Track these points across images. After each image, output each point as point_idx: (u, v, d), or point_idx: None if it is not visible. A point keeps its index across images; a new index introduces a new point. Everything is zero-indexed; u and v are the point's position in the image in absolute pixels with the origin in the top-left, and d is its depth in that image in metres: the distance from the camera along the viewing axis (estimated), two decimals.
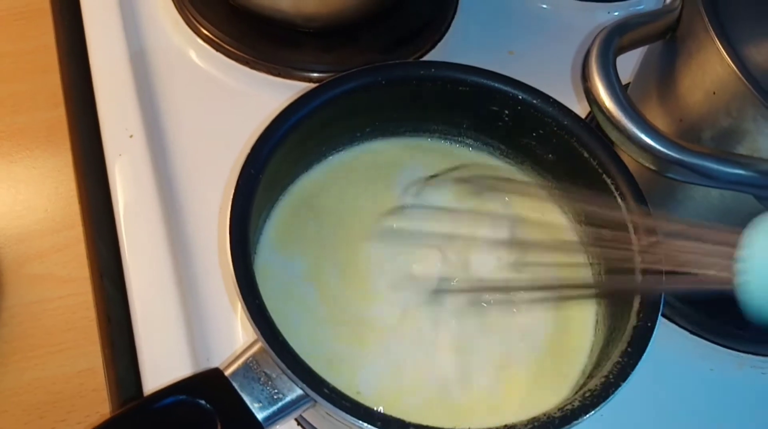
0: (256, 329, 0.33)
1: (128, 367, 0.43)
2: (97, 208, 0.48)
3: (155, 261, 0.46)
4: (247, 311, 0.34)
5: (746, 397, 0.49)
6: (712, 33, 0.39)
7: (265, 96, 0.55)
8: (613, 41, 0.41)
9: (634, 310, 0.37)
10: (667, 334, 0.49)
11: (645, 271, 0.38)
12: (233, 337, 0.46)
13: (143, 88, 0.53)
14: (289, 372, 0.33)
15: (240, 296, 0.34)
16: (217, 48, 0.56)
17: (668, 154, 0.38)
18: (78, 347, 0.42)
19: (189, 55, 0.57)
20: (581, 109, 0.56)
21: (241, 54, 0.56)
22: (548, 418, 0.33)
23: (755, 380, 0.49)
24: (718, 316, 0.50)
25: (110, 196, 0.48)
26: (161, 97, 0.54)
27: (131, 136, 0.50)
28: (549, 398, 0.39)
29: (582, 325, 0.42)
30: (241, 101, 0.55)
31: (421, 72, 0.43)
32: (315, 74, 0.56)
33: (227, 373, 0.35)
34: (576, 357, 0.41)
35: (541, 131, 0.43)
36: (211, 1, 0.58)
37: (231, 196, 0.37)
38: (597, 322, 0.42)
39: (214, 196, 0.50)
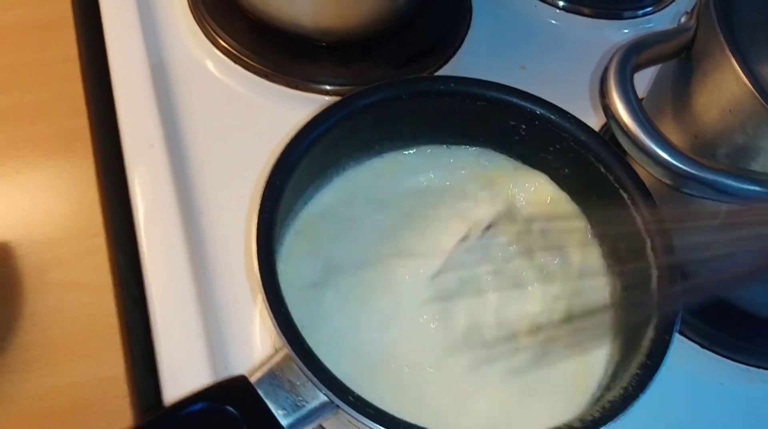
0: (282, 337, 0.34)
1: (145, 376, 0.43)
2: (118, 216, 0.48)
3: (175, 270, 0.47)
4: (273, 320, 0.34)
5: (756, 411, 0.49)
6: (729, 52, 0.40)
7: (282, 108, 0.56)
8: (631, 59, 0.41)
9: (652, 323, 0.38)
10: (677, 348, 0.49)
11: (661, 286, 0.39)
12: (251, 346, 0.46)
13: (163, 99, 0.54)
14: (314, 379, 0.33)
15: (267, 305, 0.34)
16: (236, 60, 0.57)
17: (686, 170, 0.39)
18: (100, 354, 0.43)
19: (207, 67, 0.58)
20: (595, 123, 0.57)
21: (259, 66, 0.57)
22: (568, 428, 0.34)
23: (765, 394, 0.49)
24: (728, 330, 0.50)
25: (130, 205, 0.49)
26: (180, 108, 0.55)
27: (151, 146, 0.51)
28: (565, 412, 0.39)
29: (599, 335, 0.42)
30: (258, 113, 0.56)
31: (441, 87, 0.44)
32: (331, 87, 0.57)
33: (252, 380, 0.35)
34: (592, 371, 0.41)
35: (557, 146, 0.44)
36: (230, 13, 0.59)
37: (257, 207, 0.38)
38: (614, 333, 0.43)
39: (233, 205, 0.51)
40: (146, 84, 0.54)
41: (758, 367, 0.50)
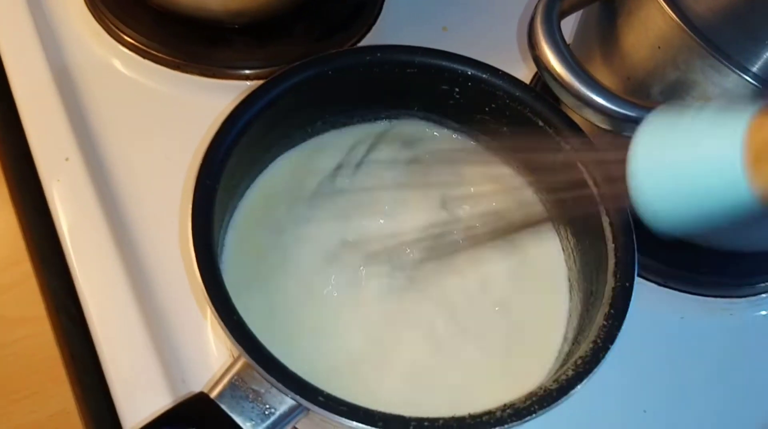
0: (239, 346, 0.32)
1: (101, 404, 0.41)
2: (43, 239, 0.45)
3: (112, 288, 0.44)
4: (227, 330, 0.32)
5: (717, 339, 0.50)
6: None
7: (200, 99, 0.53)
8: (555, 6, 0.40)
9: (610, 271, 0.38)
10: (635, 289, 0.50)
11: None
12: (206, 353, 0.44)
13: (73, 108, 0.50)
14: (280, 386, 0.32)
15: (217, 316, 0.32)
16: (144, 55, 0.54)
17: (622, 113, 0.38)
18: (45, 391, 0.40)
19: (115, 66, 0.54)
20: (526, 75, 0.56)
21: (169, 58, 0.53)
22: (545, 391, 0.33)
23: (724, 322, 0.50)
24: (681, 265, 0.51)
25: (54, 225, 0.46)
26: (93, 115, 0.51)
27: (67, 159, 0.48)
28: (534, 367, 0.39)
29: (556, 290, 0.42)
30: (176, 107, 0.53)
31: (368, 58, 0.42)
32: (250, 71, 0.54)
33: (213, 395, 0.33)
34: (554, 323, 0.41)
35: (493, 105, 0.43)
36: (132, 7, 0.55)
37: (189, 212, 0.35)
38: (571, 286, 0.42)
39: (163, 208, 0.48)
40: (52, 94, 0.50)
41: (715, 296, 0.50)
